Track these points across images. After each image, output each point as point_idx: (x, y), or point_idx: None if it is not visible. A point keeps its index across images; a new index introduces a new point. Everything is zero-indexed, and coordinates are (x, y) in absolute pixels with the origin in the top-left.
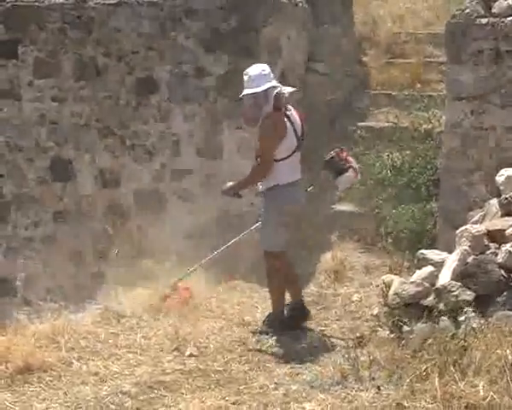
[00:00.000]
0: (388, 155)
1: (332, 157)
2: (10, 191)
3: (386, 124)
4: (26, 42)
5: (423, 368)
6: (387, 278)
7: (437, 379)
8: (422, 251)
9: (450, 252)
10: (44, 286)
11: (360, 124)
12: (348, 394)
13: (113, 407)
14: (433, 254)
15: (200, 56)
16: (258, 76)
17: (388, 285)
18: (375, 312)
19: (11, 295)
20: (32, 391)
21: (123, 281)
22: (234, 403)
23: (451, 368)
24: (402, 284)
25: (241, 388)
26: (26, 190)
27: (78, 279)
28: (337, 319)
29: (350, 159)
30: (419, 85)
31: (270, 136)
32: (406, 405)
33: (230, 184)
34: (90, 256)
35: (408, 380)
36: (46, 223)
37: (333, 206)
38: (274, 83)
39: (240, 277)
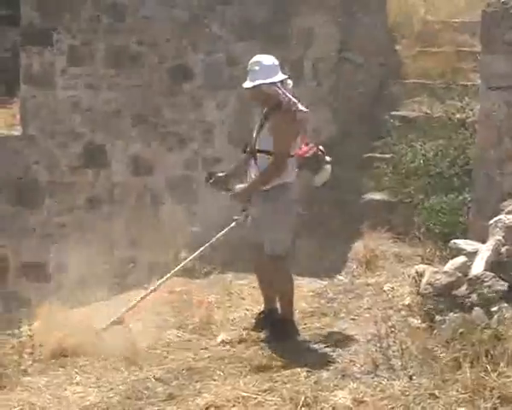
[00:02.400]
0: (421, 145)
1: (310, 156)
2: (44, 177)
3: (420, 113)
4: (61, 30)
5: (455, 358)
6: (420, 267)
7: (469, 370)
8: (455, 241)
9: (483, 242)
10: (77, 272)
11: (393, 113)
12: (380, 383)
13: (145, 392)
14: (465, 244)
15: (232, 45)
16: (272, 66)
17: (420, 275)
18: (406, 301)
19: (45, 280)
20: (66, 375)
21: (156, 269)
22: (265, 390)
23: (483, 359)
24: (434, 274)
25: (272, 375)
26: (59, 176)
27: (111, 266)
28: (369, 308)
29: (326, 156)
30: (452, 75)
31: (289, 131)
32: (438, 394)
33: (241, 186)
34: (123, 243)
35: (440, 370)
36: (79, 209)
37: (364, 195)
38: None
39: None
